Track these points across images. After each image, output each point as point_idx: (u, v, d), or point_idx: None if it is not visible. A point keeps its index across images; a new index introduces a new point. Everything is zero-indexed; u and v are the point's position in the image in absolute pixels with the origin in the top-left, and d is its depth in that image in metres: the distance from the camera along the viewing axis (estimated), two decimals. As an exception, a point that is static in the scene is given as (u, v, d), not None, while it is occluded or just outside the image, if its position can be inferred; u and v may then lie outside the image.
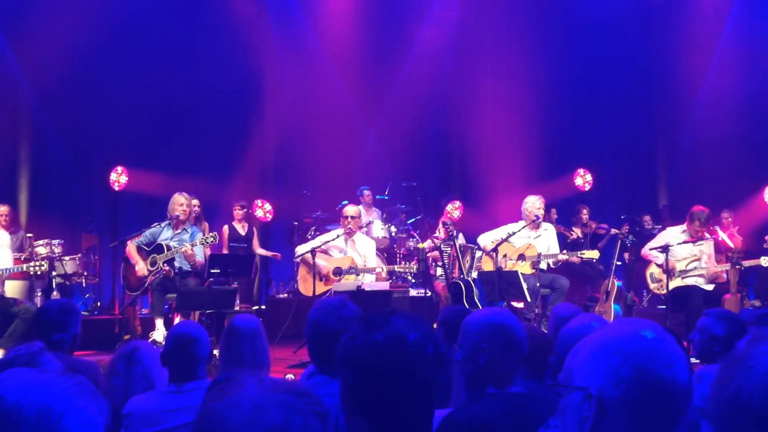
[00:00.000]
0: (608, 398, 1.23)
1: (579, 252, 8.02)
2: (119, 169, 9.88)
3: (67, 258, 8.88)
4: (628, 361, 1.24)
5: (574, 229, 9.89)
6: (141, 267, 7.36)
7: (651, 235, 8.97)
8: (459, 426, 2.20)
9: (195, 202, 8.39)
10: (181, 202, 7.51)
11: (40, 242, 8.80)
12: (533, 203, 7.96)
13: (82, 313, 7.04)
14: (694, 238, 7.60)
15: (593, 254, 7.89)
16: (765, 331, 0.94)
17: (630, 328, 1.31)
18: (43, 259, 7.40)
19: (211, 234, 7.49)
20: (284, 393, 1.05)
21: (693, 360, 3.33)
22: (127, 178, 9.90)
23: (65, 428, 0.97)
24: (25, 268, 6.97)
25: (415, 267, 7.89)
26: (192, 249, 7.28)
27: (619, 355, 1.25)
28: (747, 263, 7.46)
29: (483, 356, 2.41)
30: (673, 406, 1.21)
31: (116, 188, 9.89)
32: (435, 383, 1.55)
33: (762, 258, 7.50)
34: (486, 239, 7.98)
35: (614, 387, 1.23)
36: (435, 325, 7.12)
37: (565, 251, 8.03)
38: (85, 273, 9.17)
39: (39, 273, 6.96)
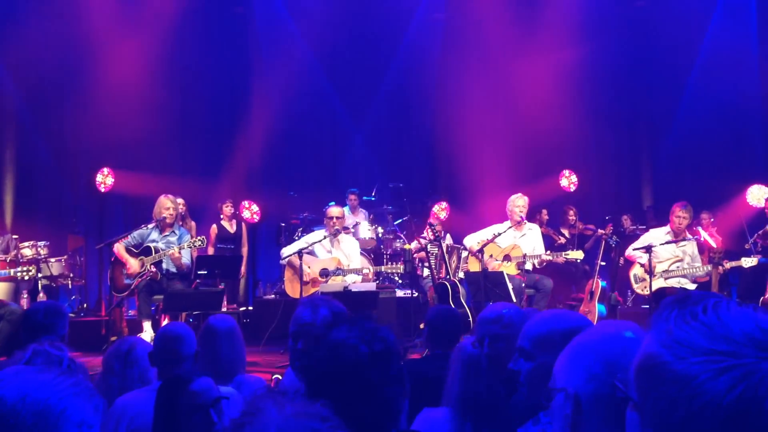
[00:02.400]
0: (583, 395, 1.27)
1: (563, 252, 8.09)
2: (105, 170, 9.86)
3: (53, 260, 8.85)
4: (600, 358, 1.28)
5: (561, 229, 9.97)
6: (132, 264, 7.34)
7: (635, 236, 9.06)
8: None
9: (180, 201, 8.38)
10: (167, 206, 7.50)
11: (26, 244, 8.76)
12: (513, 201, 8.03)
13: (69, 314, 7.04)
14: (678, 238, 7.69)
15: (577, 255, 7.97)
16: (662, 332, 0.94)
17: (610, 329, 1.36)
18: (29, 263, 7.37)
19: (198, 238, 7.49)
20: (307, 418, 1.04)
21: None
22: (113, 180, 9.88)
23: (63, 428, 0.98)
24: (12, 273, 6.94)
25: (402, 268, 7.93)
26: (179, 252, 7.28)
27: (593, 354, 1.29)
28: (728, 264, 7.55)
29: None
30: None
31: (102, 190, 9.87)
32: (376, 380, 1.66)
33: (743, 259, 7.59)
34: (472, 240, 8.04)
35: (586, 384, 1.27)
36: (422, 325, 7.18)
37: (549, 251, 8.10)
38: (71, 275, 9.14)
39: (26, 279, 6.94)
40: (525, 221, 8.10)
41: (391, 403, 1.68)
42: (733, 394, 0.78)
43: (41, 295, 8.34)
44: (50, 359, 2.56)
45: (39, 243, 8.83)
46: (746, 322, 0.83)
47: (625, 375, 0.96)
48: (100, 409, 1.04)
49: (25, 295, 8.31)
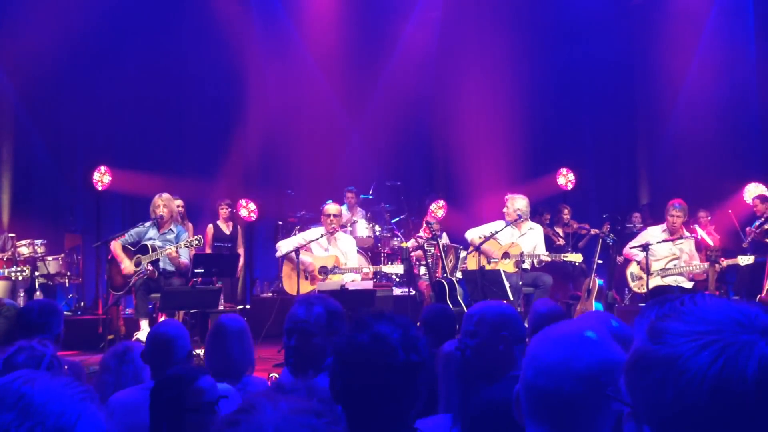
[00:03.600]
0: (522, 399, 1.37)
1: (562, 254, 8.09)
2: (102, 168, 9.84)
3: (50, 258, 8.84)
4: (531, 364, 1.35)
5: (555, 228, 9.98)
6: (126, 265, 7.35)
7: (632, 234, 9.07)
8: (493, 405, 2.30)
9: (179, 202, 8.38)
10: (157, 204, 7.51)
11: (23, 242, 8.75)
12: (512, 202, 8.02)
13: (65, 313, 7.04)
14: (674, 236, 7.70)
15: (576, 258, 7.95)
16: (657, 319, 0.96)
17: (575, 328, 1.37)
18: (26, 261, 7.37)
19: (196, 237, 7.47)
20: (302, 414, 1.04)
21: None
22: (110, 178, 9.85)
23: None
24: (6, 273, 6.94)
25: (400, 268, 7.94)
26: (177, 251, 7.27)
27: (528, 357, 1.37)
28: (725, 262, 7.56)
29: (503, 344, 2.58)
30: (571, 406, 1.31)
31: (99, 188, 9.85)
32: (400, 388, 1.70)
33: (739, 257, 7.61)
34: (474, 233, 8.03)
35: (524, 390, 1.36)
36: (418, 324, 7.18)
37: (548, 253, 8.09)
38: (68, 273, 9.13)
39: (21, 279, 6.94)
40: (527, 220, 8.08)
41: (403, 412, 1.72)
42: (716, 366, 0.82)
43: (38, 293, 8.33)
44: (33, 355, 2.56)
45: (36, 241, 8.82)
46: (725, 308, 0.87)
47: (615, 386, 1.00)
48: (107, 418, 1.04)
49: (22, 294, 8.30)
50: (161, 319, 7.39)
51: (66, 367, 2.95)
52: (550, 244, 9.14)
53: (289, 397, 1.08)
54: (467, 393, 2.56)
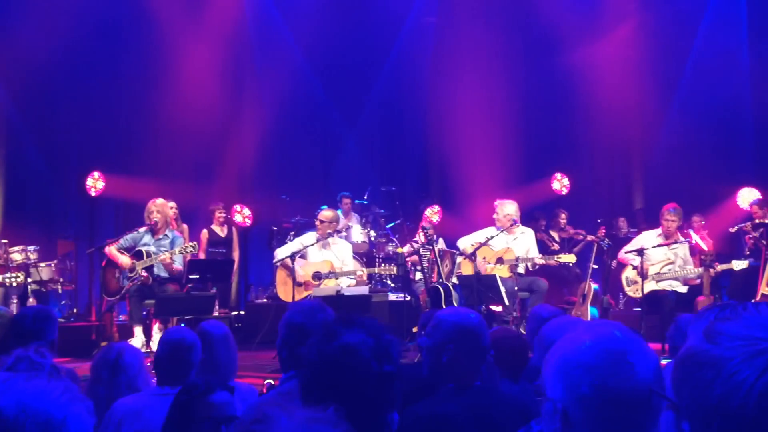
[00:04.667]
0: (571, 412, 1.27)
1: (556, 256, 8.10)
2: (96, 174, 9.79)
3: (42, 264, 8.77)
4: (586, 379, 1.27)
5: (551, 232, 9.99)
6: (124, 261, 7.31)
7: (627, 239, 9.08)
8: (421, 419, 2.35)
9: (171, 204, 8.34)
10: (150, 210, 7.51)
11: (16, 248, 8.68)
12: (502, 208, 8.02)
13: (58, 319, 6.97)
14: (669, 241, 7.71)
15: (570, 258, 7.97)
16: (714, 323, 0.95)
17: (594, 337, 1.33)
18: (19, 267, 7.32)
19: (191, 244, 7.44)
20: (318, 424, 1.02)
21: (666, 361, 3.38)
22: (103, 184, 9.80)
23: None
24: (1, 280, 6.89)
25: (395, 269, 7.91)
26: (171, 257, 7.24)
27: (580, 370, 1.28)
28: (720, 267, 7.57)
29: (446, 355, 2.54)
30: (634, 416, 1.25)
31: (93, 194, 9.80)
32: (376, 399, 1.64)
33: (733, 261, 7.62)
34: (465, 242, 8.03)
35: (576, 402, 1.27)
36: (415, 329, 7.15)
37: (541, 255, 8.10)
38: (61, 279, 9.07)
39: (15, 285, 6.89)
40: (518, 224, 8.09)
41: (379, 420, 1.66)
42: (766, 376, 0.81)
43: (31, 300, 8.27)
44: (32, 366, 2.52)
45: (29, 247, 8.75)
46: None
47: (659, 381, 0.99)
48: (91, 411, 1.02)
49: (15, 300, 8.24)
50: (155, 325, 7.35)
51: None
52: (545, 249, 9.14)
53: (303, 407, 1.08)
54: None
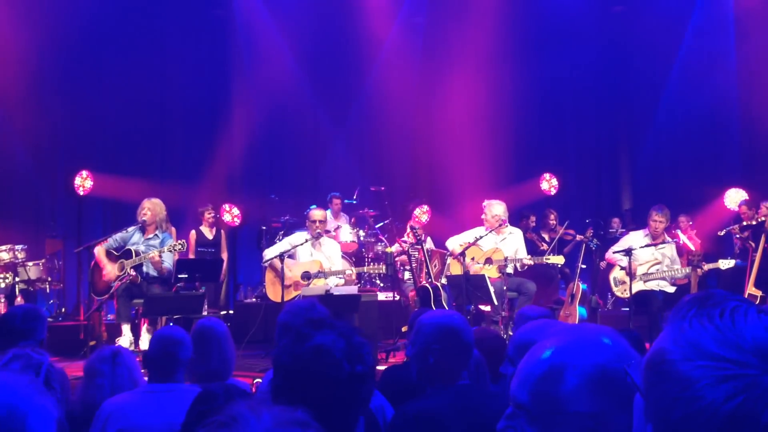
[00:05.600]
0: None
1: (545, 257, 8.13)
2: (84, 173, 9.75)
3: (30, 263, 8.73)
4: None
5: (542, 233, 10.03)
6: (109, 271, 7.30)
7: (615, 239, 9.13)
8: (408, 418, 2.40)
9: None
10: (142, 206, 7.50)
11: (3, 247, 8.64)
12: (490, 209, 8.04)
13: (47, 318, 6.93)
14: (656, 241, 7.76)
15: (558, 260, 8.00)
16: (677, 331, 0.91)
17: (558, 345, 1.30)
18: (6, 267, 7.28)
19: (179, 242, 7.41)
20: (288, 426, 0.99)
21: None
22: (92, 183, 9.77)
23: (30, 428, 0.95)
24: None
25: (384, 268, 7.92)
26: (160, 256, 7.22)
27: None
28: (707, 266, 7.63)
29: (432, 356, 2.57)
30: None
31: (81, 193, 9.76)
32: (347, 399, 1.65)
33: (720, 261, 7.67)
34: (454, 242, 8.05)
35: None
36: (404, 328, 7.17)
37: (530, 256, 8.13)
38: (49, 278, 9.03)
39: (3, 285, 6.86)
40: (506, 224, 8.12)
41: (350, 422, 1.68)
42: (731, 404, 0.78)
43: (19, 299, 8.23)
44: (30, 363, 2.53)
45: (16, 246, 8.71)
46: (760, 331, 0.82)
47: (637, 361, 0.96)
48: (54, 405, 1.01)
49: (2, 300, 8.20)
50: (144, 325, 7.34)
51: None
52: (533, 249, 9.18)
53: (272, 408, 1.02)
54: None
